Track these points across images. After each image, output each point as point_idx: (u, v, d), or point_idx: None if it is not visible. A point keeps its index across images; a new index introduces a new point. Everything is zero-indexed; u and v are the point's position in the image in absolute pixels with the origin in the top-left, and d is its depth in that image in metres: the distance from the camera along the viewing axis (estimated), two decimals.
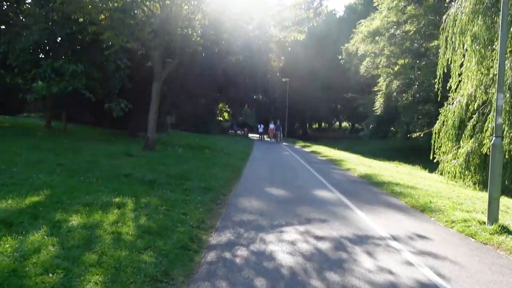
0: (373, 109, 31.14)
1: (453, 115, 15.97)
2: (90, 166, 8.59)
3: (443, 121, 16.55)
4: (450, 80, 16.04)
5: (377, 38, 32.17)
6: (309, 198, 8.60)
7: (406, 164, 23.73)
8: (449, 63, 15.89)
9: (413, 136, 18.57)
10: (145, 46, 14.04)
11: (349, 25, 53.51)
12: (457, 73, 15.78)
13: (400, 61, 27.70)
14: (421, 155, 31.77)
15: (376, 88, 30.45)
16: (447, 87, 16.32)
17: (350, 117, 69.68)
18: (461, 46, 15.32)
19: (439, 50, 25.20)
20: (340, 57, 43.10)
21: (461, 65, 15.64)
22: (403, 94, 27.82)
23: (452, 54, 15.66)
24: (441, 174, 17.19)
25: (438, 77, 16.45)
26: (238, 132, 57.87)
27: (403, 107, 27.76)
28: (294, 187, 9.97)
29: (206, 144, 21.57)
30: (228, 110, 67.61)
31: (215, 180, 9.08)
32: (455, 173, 15.15)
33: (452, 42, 15.57)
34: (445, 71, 16.25)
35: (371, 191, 10.29)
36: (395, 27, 31.25)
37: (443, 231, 6.45)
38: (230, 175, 10.77)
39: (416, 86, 27.35)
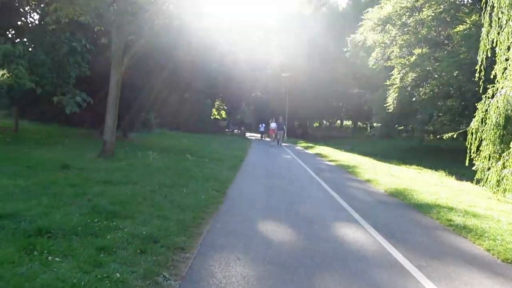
0: (385, 105, 27.61)
1: (497, 111, 12.55)
2: None
3: (482, 119, 13.18)
4: (495, 67, 12.76)
5: (388, 26, 28.66)
6: (332, 248, 5.08)
7: (427, 169, 20.27)
8: (493, 45, 12.49)
9: (444, 137, 15.13)
10: (103, 19, 10.54)
11: (352, 18, 50.08)
12: (503, 58, 12.39)
13: (417, 51, 24.18)
14: (440, 157, 28.40)
15: (388, 82, 26.92)
16: (492, 76, 13.01)
17: (353, 115, 66.25)
18: (511, 23, 11.93)
19: (464, 36, 21.82)
20: (345, 49, 39.58)
21: (509, 48, 12.33)
22: (420, 89, 24.32)
23: (498, 34, 12.28)
24: (478, 183, 13.93)
25: (479, 63, 13.02)
26: (235, 131, 54.47)
27: (420, 103, 24.26)
28: (303, 220, 6.46)
29: (192, 146, 18.11)
30: (225, 107, 64.29)
31: (176, 216, 5.57)
32: (506, 185, 11.71)
33: (499, 19, 12.19)
34: (488, 55, 12.81)
35: (420, 224, 6.79)
36: (408, 13, 27.75)
37: None
38: (207, 199, 7.27)
39: (434, 80, 23.89)
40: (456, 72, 22.61)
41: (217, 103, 59.29)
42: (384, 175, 13.70)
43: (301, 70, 55.06)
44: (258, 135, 46.92)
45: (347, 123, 79.42)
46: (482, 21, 13.08)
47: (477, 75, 13.13)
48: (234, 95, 42.77)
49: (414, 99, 25.39)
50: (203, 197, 7.38)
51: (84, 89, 13.19)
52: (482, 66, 12.74)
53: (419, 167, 20.61)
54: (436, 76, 24.38)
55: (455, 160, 26.57)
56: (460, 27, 20.89)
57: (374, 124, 63.47)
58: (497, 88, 12.65)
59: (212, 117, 62.31)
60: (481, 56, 12.85)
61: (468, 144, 13.56)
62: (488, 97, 12.98)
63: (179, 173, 9.78)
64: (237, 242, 5.00)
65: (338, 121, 79.31)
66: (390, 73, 26.55)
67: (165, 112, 29.88)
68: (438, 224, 6.89)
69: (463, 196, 10.36)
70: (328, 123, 79.02)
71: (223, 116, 69.97)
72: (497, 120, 12.47)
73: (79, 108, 12.34)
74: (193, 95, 16.97)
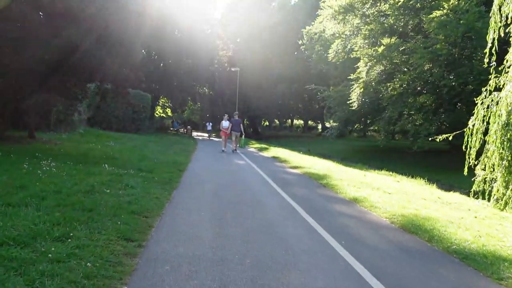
0: (348, 102, 24.77)
1: (507, 108, 9.83)
2: None
3: (483, 117, 10.43)
4: (510, 50, 10.16)
5: (350, 15, 25.89)
6: None
7: (400, 175, 17.54)
8: (508, 21, 9.83)
9: (438, 139, 12.18)
10: None
11: (306, 11, 47.62)
12: None
13: (385, 40, 21.43)
14: (404, 159, 25.98)
15: (352, 76, 24.06)
16: (503, 62, 10.35)
17: (304, 114, 63.89)
18: None
19: (441, 24, 19.20)
20: (300, 42, 36.67)
21: None
22: (388, 84, 21.61)
23: None
24: (476, 195, 11.34)
25: (490, 44, 10.24)
26: (181, 130, 50.22)
27: (388, 99, 21.55)
28: None
29: (118, 151, 14.07)
30: (171, 105, 59.73)
31: None
32: None
33: None
34: (501, 34, 10.05)
35: None
36: (371, 1, 25.11)
37: None
38: (98, 269, 3.58)
39: (404, 74, 21.24)
40: (429, 65, 20.08)
41: (162, 100, 54.71)
42: (367, 189, 10.54)
43: (252, 65, 51.84)
44: (206, 135, 43.48)
45: (297, 122, 77.26)
46: None
47: (486, 60, 10.36)
48: (178, 90, 38.59)
49: (381, 95, 22.72)
50: (89, 265, 3.65)
51: None
52: (494, 49, 9.88)
53: (390, 172, 17.87)
54: (405, 70, 21.80)
55: (420, 163, 24.34)
56: (437, 13, 18.25)
57: (327, 124, 61.50)
58: (498, 82, 10.01)
59: (156, 115, 57.56)
60: (491, 36, 10.02)
61: (467, 148, 10.75)
62: (490, 90, 10.22)
63: (71, 202, 5.91)
64: None
65: (289, 120, 76.98)
66: (355, 66, 23.68)
67: (98, 108, 25.42)
68: None
69: (493, 225, 7.25)
70: (278, 122, 76.55)
71: (169, 114, 65.44)
72: (509, 119, 9.70)
73: None
74: (120, 85, 12.95)
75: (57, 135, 17.52)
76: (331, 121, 54.09)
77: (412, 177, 16.45)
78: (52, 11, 9.93)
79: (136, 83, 12.99)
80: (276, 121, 76.13)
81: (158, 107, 58.02)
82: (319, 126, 64.38)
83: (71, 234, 4.39)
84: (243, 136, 21.55)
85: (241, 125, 20.89)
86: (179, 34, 40.66)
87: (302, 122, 73.02)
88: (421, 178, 15.91)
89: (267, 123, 76.00)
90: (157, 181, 9.01)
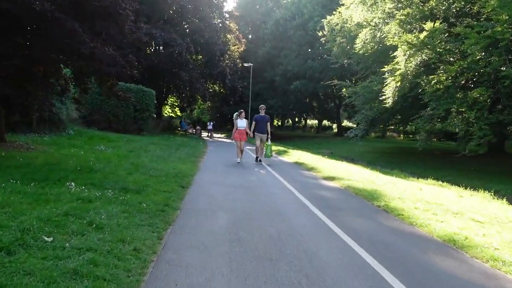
0: (380, 98, 21.48)
1: None
2: None
3: None
4: None
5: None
6: None
7: (452, 185, 14.46)
8: None
9: None
10: None
11: (322, 3, 44.56)
12: None
13: (428, 25, 18.06)
14: (436, 162, 22.79)
15: (385, 68, 20.71)
16: None
17: (318, 113, 60.69)
18: None
19: (503, 1, 15.89)
20: (320, 33, 33.38)
21: None
22: (431, 76, 18.24)
23: None
24: None
25: None
26: (190, 131, 47.22)
27: (430, 94, 18.20)
28: None
29: (105, 158, 10.96)
30: (179, 104, 56.96)
31: None
32: None
33: None
34: None
35: None
36: None
37: None
38: None
39: (452, 64, 17.87)
40: (481, 54, 16.75)
41: (171, 99, 51.99)
42: (447, 215, 7.41)
43: (265, 61, 48.86)
44: (214, 135, 40.94)
45: (310, 122, 74.13)
46: None
47: None
48: (187, 88, 35.62)
49: (420, 90, 19.39)
50: None
51: None
52: None
53: (439, 182, 14.66)
54: (451, 59, 18.43)
55: (456, 167, 21.00)
56: None
57: (343, 123, 58.13)
58: None
59: (165, 115, 54.76)
60: None
61: None
62: None
63: None
64: None
65: (302, 120, 73.86)
66: (392, 55, 20.30)
67: (95, 106, 22.51)
68: None
69: None
70: (291, 121, 73.37)
71: (178, 113, 62.83)
72: None
73: None
74: (106, 73, 10.01)
75: (39, 137, 14.54)
76: (346, 120, 50.73)
77: (472, 188, 13.34)
78: None
79: (128, 70, 9.84)
80: (289, 120, 73.00)
81: (166, 106, 55.23)
82: (334, 126, 61.11)
83: None
84: (269, 140, 14.99)
85: (269, 124, 15.21)
86: (189, 27, 37.78)
87: (316, 121, 69.82)
88: (492, 194, 12.70)
89: (279, 123, 72.95)
90: (145, 210, 5.86)
